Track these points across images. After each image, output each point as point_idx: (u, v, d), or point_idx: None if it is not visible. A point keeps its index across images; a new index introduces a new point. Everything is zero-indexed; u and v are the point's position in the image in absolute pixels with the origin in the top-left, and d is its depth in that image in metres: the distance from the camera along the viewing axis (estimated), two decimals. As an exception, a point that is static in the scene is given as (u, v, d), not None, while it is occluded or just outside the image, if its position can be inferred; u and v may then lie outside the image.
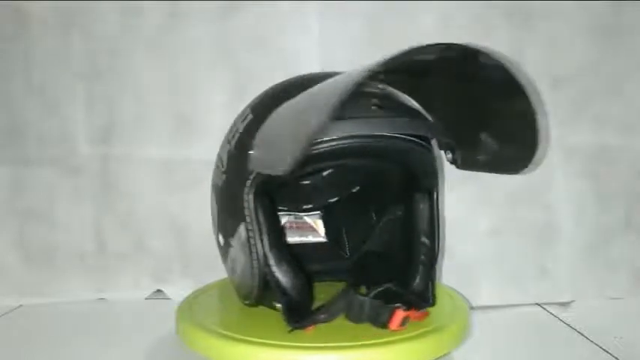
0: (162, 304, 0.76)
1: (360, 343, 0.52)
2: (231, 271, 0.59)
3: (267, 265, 0.54)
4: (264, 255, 0.54)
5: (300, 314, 0.54)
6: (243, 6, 0.75)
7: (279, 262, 0.54)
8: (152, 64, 0.76)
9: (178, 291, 0.72)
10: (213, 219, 0.62)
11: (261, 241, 0.54)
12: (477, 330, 0.64)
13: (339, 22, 0.76)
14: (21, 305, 0.78)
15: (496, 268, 0.78)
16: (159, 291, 0.80)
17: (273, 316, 0.58)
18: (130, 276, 0.79)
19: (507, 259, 0.78)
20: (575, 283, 0.79)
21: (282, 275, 0.54)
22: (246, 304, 0.60)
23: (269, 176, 0.50)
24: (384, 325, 0.54)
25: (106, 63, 0.77)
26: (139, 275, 0.79)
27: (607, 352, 0.64)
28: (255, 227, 0.53)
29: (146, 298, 0.79)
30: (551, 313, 0.76)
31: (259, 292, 0.56)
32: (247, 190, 0.53)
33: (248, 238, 0.54)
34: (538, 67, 0.76)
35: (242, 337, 0.53)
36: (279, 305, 0.55)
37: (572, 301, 0.78)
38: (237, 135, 0.56)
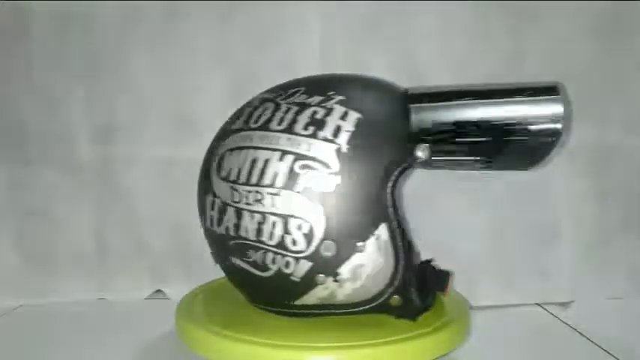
0: (162, 304, 0.76)
1: (360, 343, 0.52)
2: (349, 280, 0.53)
3: (410, 263, 0.54)
4: (406, 252, 0.54)
5: (426, 301, 0.57)
6: (243, 6, 0.75)
7: (416, 256, 0.55)
8: (152, 64, 0.76)
9: (178, 291, 0.72)
10: (303, 232, 0.52)
11: (404, 238, 0.54)
12: (477, 330, 0.64)
13: (339, 21, 0.76)
14: (21, 305, 0.78)
15: (496, 268, 0.78)
16: (159, 291, 0.80)
17: (272, 315, 0.58)
18: (130, 276, 0.79)
19: (507, 259, 0.78)
20: (575, 283, 0.79)
21: (417, 268, 0.56)
22: (359, 311, 0.56)
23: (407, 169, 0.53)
24: (443, 290, 0.59)
25: (106, 63, 0.77)
26: (139, 275, 0.79)
27: (607, 352, 0.64)
28: (398, 225, 0.53)
29: (146, 298, 0.79)
30: (551, 313, 0.76)
31: (394, 292, 0.55)
32: (388, 188, 0.53)
33: (392, 238, 0.53)
34: (538, 67, 0.76)
35: (242, 336, 0.53)
36: (395, 297, 0.55)
37: (572, 301, 0.78)
38: (345, 132, 0.52)
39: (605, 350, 0.64)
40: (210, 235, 0.58)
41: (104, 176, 0.78)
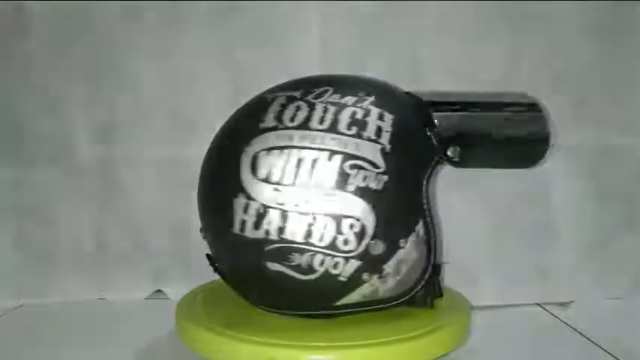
0: (162, 304, 0.76)
1: (360, 343, 0.52)
2: (391, 275, 0.54)
3: (436, 257, 0.56)
4: (436, 247, 0.56)
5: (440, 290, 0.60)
6: (243, 6, 0.75)
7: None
8: (152, 64, 0.76)
9: (178, 291, 0.72)
10: (354, 232, 0.52)
11: (435, 233, 0.56)
12: (477, 330, 0.64)
13: (339, 21, 0.76)
14: (21, 305, 0.78)
15: (496, 268, 0.78)
16: (159, 291, 0.80)
17: (273, 315, 0.58)
18: (130, 276, 0.79)
19: (507, 259, 0.78)
20: (575, 283, 0.79)
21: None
22: (390, 306, 0.56)
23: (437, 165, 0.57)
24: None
25: (106, 63, 0.76)
26: (139, 275, 0.79)
27: (607, 352, 0.64)
28: (431, 220, 0.55)
29: (146, 298, 0.79)
30: (551, 313, 0.76)
31: (424, 285, 0.57)
32: (424, 186, 0.55)
33: (427, 232, 0.55)
34: (538, 67, 0.76)
35: (242, 336, 0.53)
36: (422, 290, 0.57)
37: (572, 301, 0.78)
38: (385, 133, 0.54)
39: (605, 350, 0.64)
40: (233, 239, 0.54)
41: (104, 176, 0.78)
